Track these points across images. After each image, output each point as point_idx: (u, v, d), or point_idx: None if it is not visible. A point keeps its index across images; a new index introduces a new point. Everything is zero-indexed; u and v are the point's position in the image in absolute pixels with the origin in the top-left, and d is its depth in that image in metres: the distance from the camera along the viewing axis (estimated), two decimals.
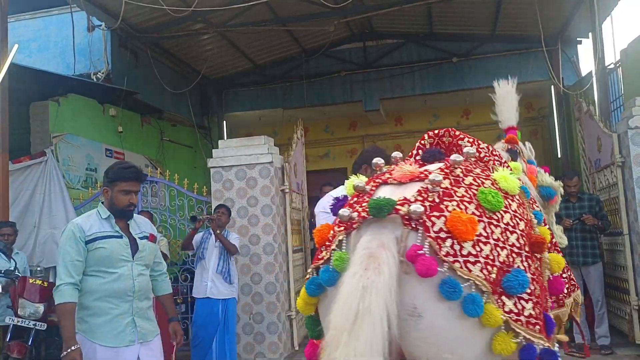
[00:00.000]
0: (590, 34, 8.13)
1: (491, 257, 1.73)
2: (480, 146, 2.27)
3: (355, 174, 3.67)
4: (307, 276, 1.89)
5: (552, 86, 10.07)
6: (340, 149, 12.58)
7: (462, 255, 1.69)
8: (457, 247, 1.69)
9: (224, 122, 11.65)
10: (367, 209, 1.73)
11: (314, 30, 9.73)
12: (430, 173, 1.87)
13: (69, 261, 2.89)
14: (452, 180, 1.87)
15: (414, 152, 2.35)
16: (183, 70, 10.16)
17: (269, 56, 10.82)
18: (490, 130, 4.22)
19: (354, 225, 1.77)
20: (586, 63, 9.99)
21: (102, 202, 3.13)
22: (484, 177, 1.97)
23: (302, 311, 1.93)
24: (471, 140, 2.27)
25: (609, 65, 8.13)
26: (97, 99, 8.14)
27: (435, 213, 1.72)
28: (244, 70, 11.07)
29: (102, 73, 7.94)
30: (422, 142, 2.34)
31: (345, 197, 2.34)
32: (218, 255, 5.63)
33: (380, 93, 10.72)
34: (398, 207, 1.72)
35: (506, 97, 3.28)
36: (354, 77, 10.84)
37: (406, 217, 1.71)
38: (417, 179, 1.85)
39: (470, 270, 1.67)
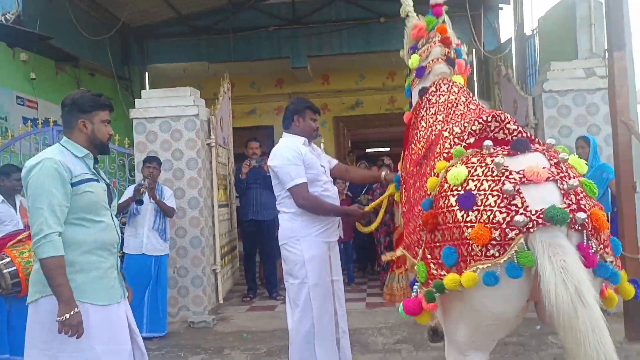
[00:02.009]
0: (511, 1, 8.41)
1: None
2: (528, 133, 2.48)
3: (288, 128, 3.72)
4: (480, 268, 2.05)
5: (474, 50, 10.40)
6: (266, 105, 12.44)
7: (602, 243, 2.10)
8: (602, 237, 2.10)
9: (146, 73, 11.19)
10: (544, 218, 1.99)
11: None
12: (555, 169, 2.14)
13: (57, 205, 2.44)
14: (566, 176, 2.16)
15: (465, 136, 2.46)
16: (102, 16, 9.56)
17: (195, 6, 10.37)
18: None
19: (532, 229, 2.00)
20: (506, 29, 10.36)
21: (65, 140, 2.66)
22: (568, 166, 2.24)
23: (453, 288, 2.11)
24: (516, 126, 2.44)
25: (527, 32, 8.48)
26: (6, 41, 7.56)
27: (582, 215, 2.04)
28: (168, 20, 10.56)
29: (12, 14, 7.35)
30: (473, 127, 2.46)
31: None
32: (153, 212, 5.52)
33: (308, 50, 10.60)
34: (571, 216, 2.01)
35: None
36: (282, 33, 10.65)
37: (572, 222, 2.02)
38: (553, 180, 2.11)
39: (608, 254, 2.11)
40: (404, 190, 3.08)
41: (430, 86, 3.20)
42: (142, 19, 10.30)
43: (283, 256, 3.64)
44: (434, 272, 2.22)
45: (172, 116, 6.13)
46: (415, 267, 2.41)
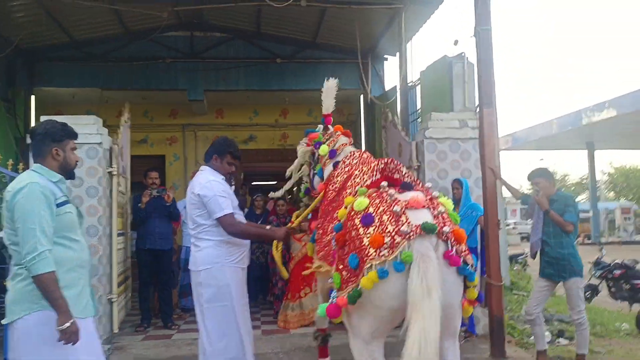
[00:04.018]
0: (397, 54, 9.33)
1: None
2: (414, 177, 3.39)
3: (208, 162, 4.04)
4: (374, 265, 2.71)
5: (362, 95, 11.27)
6: (159, 135, 12.44)
7: (464, 252, 2.87)
8: (461, 247, 2.87)
9: (32, 96, 10.77)
10: (421, 228, 2.72)
11: (141, 13, 9.54)
12: (430, 202, 2.94)
13: (46, 225, 2.63)
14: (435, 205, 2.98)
15: (373, 173, 3.37)
16: None
17: (90, 32, 10.29)
18: (304, 129, 5.00)
19: (411, 237, 2.71)
20: (390, 78, 11.34)
21: (38, 167, 2.85)
22: (439, 202, 3.04)
23: (365, 287, 2.71)
24: (404, 171, 3.32)
25: (409, 82, 9.43)
26: None
27: (447, 229, 2.82)
28: (60, 44, 10.35)
29: None
30: (379, 166, 3.35)
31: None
32: None
33: (205, 84, 10.86)
34: (439, 228, 2.77)
35: (329, 90, 4.49)
36: (179, 65, 10.83)
37: (440, 233, 2.77)
38: (427, 207, 2.90)
39: (469, 259, 2.89)
40: (319, 225, 3.75)
41: (343, 159, 3.98)
42: (32, 41, 10.00)
43: (202, 281, 3.84)
44: (345, 277, 2.87)
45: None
46: (329, 280, 3.09)
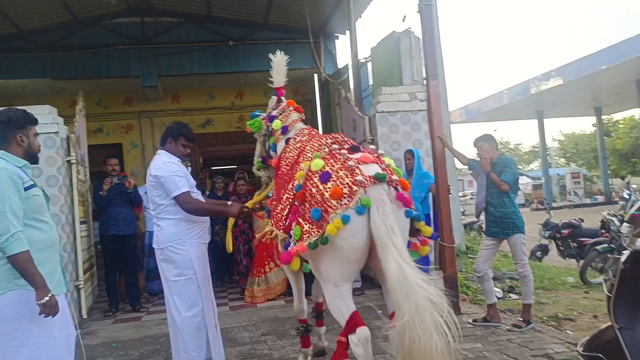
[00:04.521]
0: (347, 32, 9.54)
1: None
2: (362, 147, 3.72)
3: (164, 146, 4.22)
4: (338, 213, 3.08)
5: (315, 74, 11.44)
6: (114, 124, 12.34)
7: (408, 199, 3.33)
8: (407, 193, 3.35)
9: None
10: (374, 178, 3.15)
11: (89, 0, 9.45)
12: (377, 159, 3.39)
13: (16, 208, 2.76)
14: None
15: (322, 147, 3.66)
16: None
17: (37, 21, 10.11)
18: (262, 109, 5.10)
19: (366, 186, 3.12)
20: (342, 56, 11.56)
21: (2, 153, 2.93)
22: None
23: (331, 233, 3.06)
24: (353, 142, 3.76)
25: (361, 59, 9.67)
26: None
27: (396, 177, 3.32)
28: (6, 34, 10.15)
29: None
30: (328, 141, 3.72)
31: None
32: None
33: (158, 70, 10.82)
34: (389, 177, 3.23)
35: (278, 64, 4.62)
36: (131, 52, 10.75)
37: (390, 181, 3.23)
38: (376, 162, 3.33)
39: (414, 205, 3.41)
40: (273, 199, 4.03)
41: (294, 136, 4.22)
42: None
43: (166, 257, 4.03)
44: (307, 229, 3.22)
45: None
46: (278, 237, 3.61)
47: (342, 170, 3.22)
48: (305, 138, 4.06)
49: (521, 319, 5.26)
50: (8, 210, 2.73)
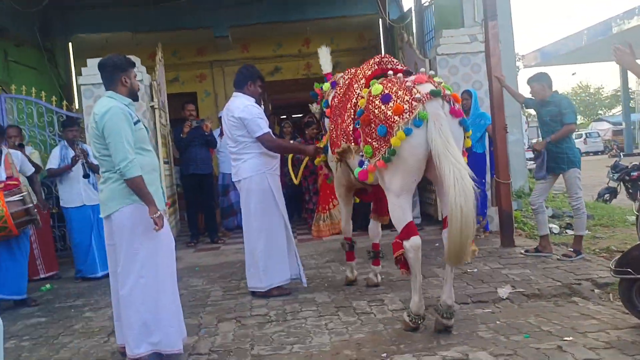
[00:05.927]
0: None
1: None
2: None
3: (242, 89, 4.72)
4: (400, 126, 3.50)
5: (380, 19, 11.55)
6: (188, 74, 13.06)
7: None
8: (459, 105, 3.75)
9: (69, 44, 11.44)
10: (429, 94, 3.54)
11: None
12: (430, 79, 3.74)
13: (130, 139, 3.28)
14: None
15: (370, 67, 4.16)
16: None
17: None
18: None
19: (425, 101, 3.53)
20: (406, 0, 11.56)
21: (111, 93, 3.42)
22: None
23: (395, 144, 3.50)
24: (396, 61, 4.23)
25: (424, 2, 9.71)
26: None
27: (448, 92, 3.70)
28: None
29: None
30: (374, 60, 4.19)
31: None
32: (82, 168, 6.19)
33: (229, 21, 11.30)
34: (442, 92, 3.61)
35: (323, 54, 5.09)
36: (204, 4, 11.23)
37: (444, 95, 3.61)
38: (429, 82, 3.70)
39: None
40: (332, 130, 4.47)
41: (339, 78, 4.73)
42: None
43: (247, 188, 4.66)
44: (376, 146, 3.64)
45: None
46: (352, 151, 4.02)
47: (400, 91, 3.59)
48: (352, 71, 4.50)
49: (572, 250, 5.49)
50: (125, 141, 3.26)
